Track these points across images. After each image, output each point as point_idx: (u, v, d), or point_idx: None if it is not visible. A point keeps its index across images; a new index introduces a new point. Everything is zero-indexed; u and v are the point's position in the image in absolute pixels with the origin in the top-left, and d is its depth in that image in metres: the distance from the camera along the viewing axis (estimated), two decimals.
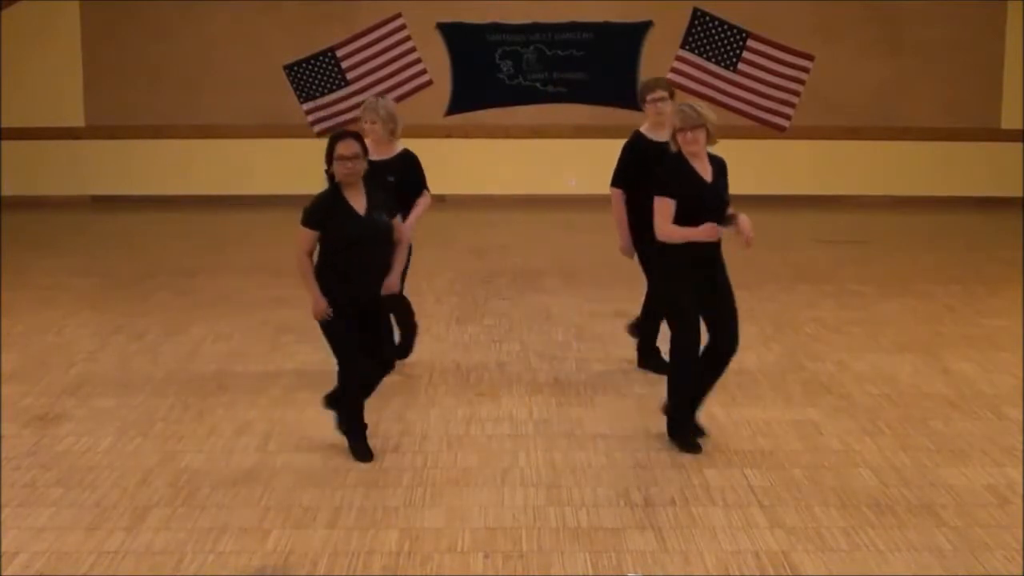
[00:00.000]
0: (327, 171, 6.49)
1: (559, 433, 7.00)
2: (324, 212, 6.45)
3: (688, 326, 6.64)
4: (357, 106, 16.55)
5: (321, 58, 16.16)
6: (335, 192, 6.47)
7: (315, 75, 16.20)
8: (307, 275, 6.50)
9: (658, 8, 16.10)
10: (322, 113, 16.25)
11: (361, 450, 6.61)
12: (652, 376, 8.12)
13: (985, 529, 5.63)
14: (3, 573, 5.17)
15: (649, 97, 7.91)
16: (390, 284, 6.69)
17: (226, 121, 16.18)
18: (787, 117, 16.07)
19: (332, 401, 6.86)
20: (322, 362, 8.50)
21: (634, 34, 16.19)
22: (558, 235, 14.23)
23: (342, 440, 6.85)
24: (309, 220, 6.46)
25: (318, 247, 6.51)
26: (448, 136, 15.88)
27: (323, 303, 6.45)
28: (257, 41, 16.11)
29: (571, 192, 16.25)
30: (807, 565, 5.25)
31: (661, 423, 7.16)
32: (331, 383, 7.97)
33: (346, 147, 6.40)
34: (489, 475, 6.31)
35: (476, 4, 16.12)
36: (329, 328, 6.55)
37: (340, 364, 6.69)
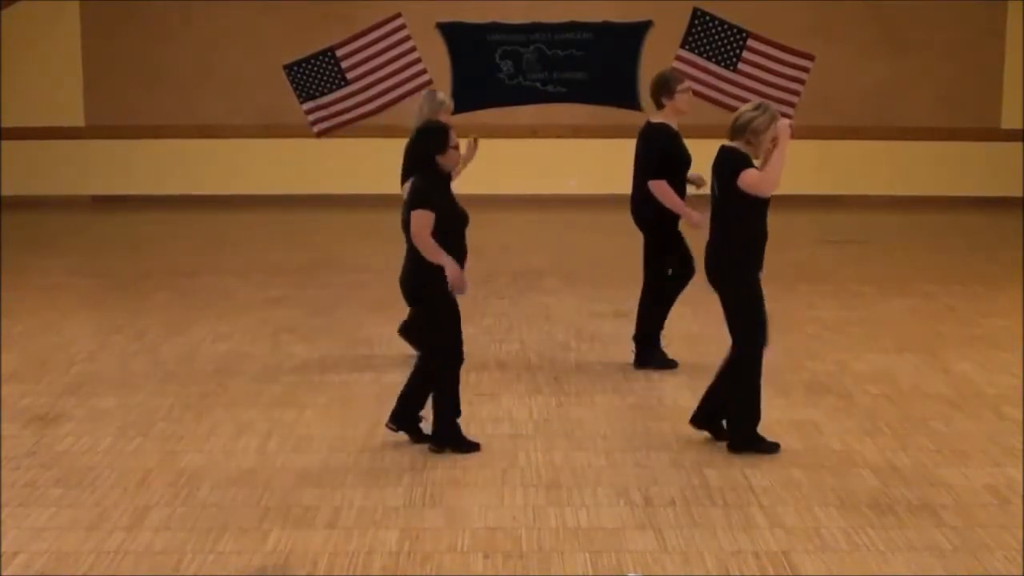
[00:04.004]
0: (430, 158, 6.47)
1: (559, 433, 7.00)
2: (440, 195, 6.46)
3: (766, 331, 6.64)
4: (357, 105, 16.68)
5: (321, 58, 16.17)
6: (442, 178, 6.52)
7: (315, 75, 16.20)
8: (440, 251, 6.40)
9: (658, 8, 16.11)
10: (322, 113, 16.26)
11: (468, 442, 6.65)
12: (653, 376, 8.13)
13: (985, 529, 5.63)
14: (3, 573, 5.17)
15: (681, 88, 8.05)
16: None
17: (226, 121, 16.18)
18: (787, 117, 16.08)
19: (406, 420, 6.71)
20: (322, 361, 8.52)
21: (634, 34, 16.19)
22: (558, 235, 14.23)
23: (342, 440, 6.85)
24: (430, 202, 6.40)
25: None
26: None
27: (463, 275, 6.45)
28: (257, 41, 16.11)
29: (571, 192, 16.25)
30: (807, 565, 5.25)
31: (661, 423, 7.17)
32: (330, 382, 7.98)
33: (454, 139, 6.51)
34: (489, 475, 6.31)
35: (476, 4, 16.12)
36: (448, 309, 6.52)
37: (445, 348, 6.58)
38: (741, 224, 6.53)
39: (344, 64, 16.20)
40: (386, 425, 6.77)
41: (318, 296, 10.64)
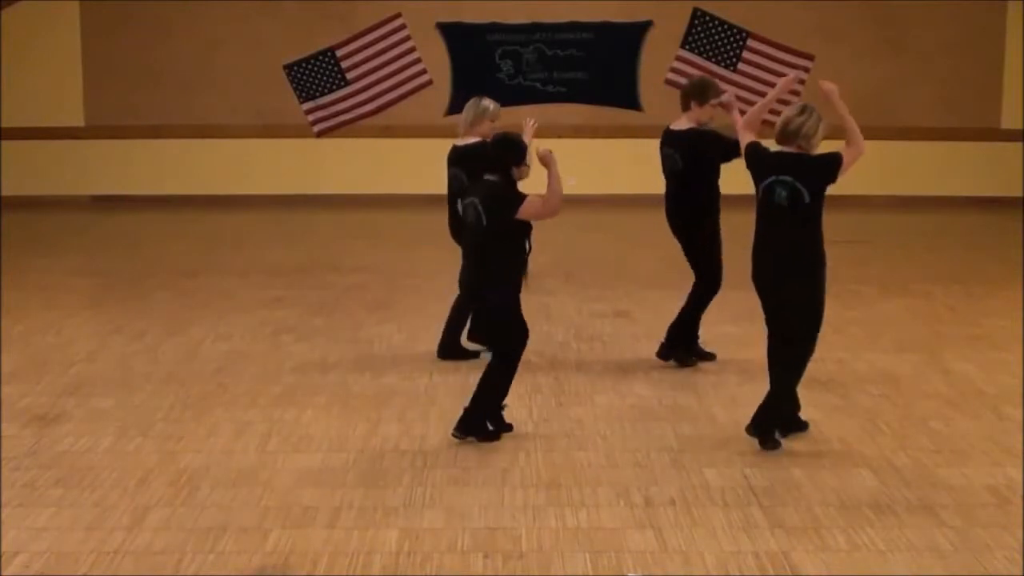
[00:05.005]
0: (508, 168, 6.82)
1: (559, 433, 7.00)
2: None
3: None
4: (357, 105, 16.68)
5: (321, 58, 16.17)
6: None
7: (315, 75, 16.20)
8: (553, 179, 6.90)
9: (658, 8, 16.10)
10: (322, 113, 16.26)
11: (491, 433, 6.83)
12: (653, 375, 8.13)
13: (985, 529, 5.63)
14: (3, 573, 5.17)
15: (715, 101, 8.12)
16: None
17: (226, 121, 16.18)
18: None
19: (470, 425, 6.82)
20: (322, 361, 8.52)
21: (634, 34, 16.19)
22: (558, 235, 14.21)
23: (342, 440, 6.85)
24: (522, 193, 6.82)
25: (500, 239, 6.77)
26: (448, 136, 15.87)
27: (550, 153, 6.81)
28: (257, 41, 16.11)
29: (571, 192, 16.22)
30: (807, 565, 5.25)
31: (661, 423, 7.17)
32: (330, 382, 7.98)
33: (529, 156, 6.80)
34: (489, 475, 6.31)
35: (476, 4, 16.12)
36: (517, 308, 6.75)
37: (509, 341, 6.78)
38: (820, 226, 6.78)
39: (344, 64, 16.20)
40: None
41: (318, 296, 10.64)
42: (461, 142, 8.31)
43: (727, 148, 7.93)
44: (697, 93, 8.15)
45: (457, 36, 16.19)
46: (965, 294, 10.78)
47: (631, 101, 16.21)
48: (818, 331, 6.75)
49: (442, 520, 5.72)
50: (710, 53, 16.14)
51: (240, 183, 16.20)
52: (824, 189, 6.74)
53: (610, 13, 16.15)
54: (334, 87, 16.23)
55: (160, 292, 10.85)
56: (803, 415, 7.24)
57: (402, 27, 16.14)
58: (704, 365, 8.39)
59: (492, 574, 5.19)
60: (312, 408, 7.45)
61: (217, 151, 16.24)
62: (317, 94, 16.24)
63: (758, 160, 6.79)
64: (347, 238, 14.02)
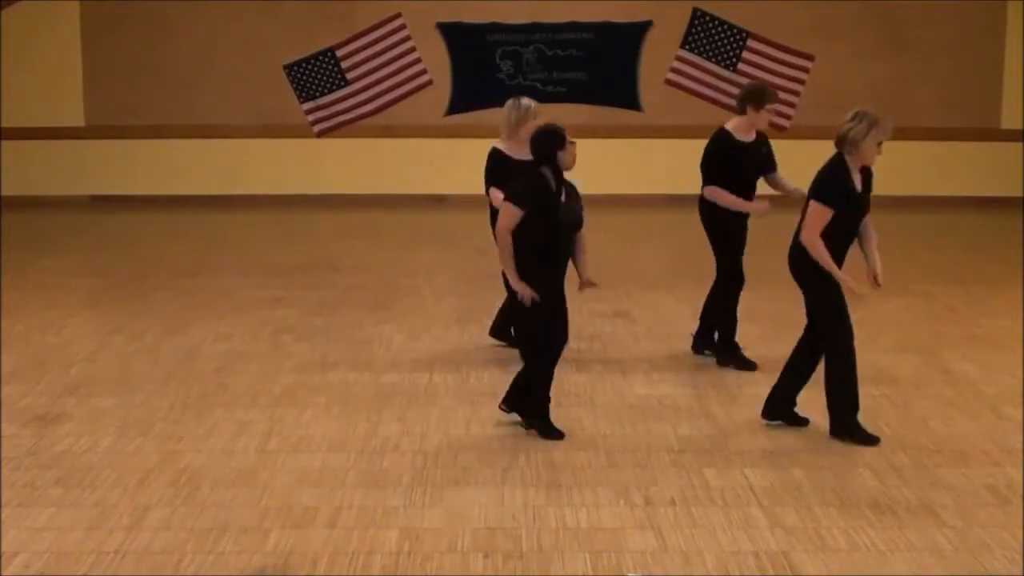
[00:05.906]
0: (552, 155, 6.75)
1: None
2: (538, 194, 6.74)
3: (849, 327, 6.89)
4: (357, 105, 16.68)
5: (321, 58, 16.16)
6: (546, 178, 6.78)
7: (315, 75, 16.20)
8: (509, 254, 6.78)
9: (658, 8, 16.10)
10: (322, 113, 16.25)
11: (555, 430, 6.91)
12: (653, 376, 8.14)
13: (985, 529, 5.63)
14: (3, 573, 5.17)
15: (770, 106, 8.15)
16: (590, 279, 7.29)
17: (226, 121, 16.17)
18: (787, 117, 16.07)
19: (516, 402, 7.06)
20: (322, 361, 8.52)
21: (634, 34, 16.19)
22: None
23: (342, 440, 6.86)
24: (521, 199, 6.72)
25: (522, 225, 6.78)
26: (447, 136, 15.88)
27: (528, 289, 6.76)
28: (257, 41, 16.10)
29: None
30: (807, 565, 5.25)
31: (661, 423, 7.17)
32: (330, 382, 7.99)
33: (567, 135, 6.79)
34: (489, 475, 6.32)
35: (476, 4, 16.11)
36: (544, 301, 6.84)
37: (541, 339, 6.89)
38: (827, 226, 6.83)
39: (344, 64, 16.20)
40: (499, 406, 7.15)
41: (318, 296, 10.64)
42: (505, 145, 8.37)
43: (714, 170, 8.12)
44: (753, 98, 8.12)
45: (457, 36, 16.19)
46: (965, 294, 10.79)
47: (631, 101, 16.21)
48: (835, 337, 6.87)
49: (442, 520, 5.72)
50: (710, 53, 16.14)
51: (240, 183, 16.19)
52: (811, 196, 6.86)
53: (610, 13, 16.15)
54: (334, 87, 16.22)
55: (160, 292, 10.85)
56: (803, 415, 7.25)
57: (402, 27, 16.13)
58: (704, 365, 8.39)
59: (492, 574, 5.19)
60: (312, 408, 7.46)
61: (217, 151, 16.23)
62: (317, 94, 16.24)
63: None
64: (347, 238, 14.02)
